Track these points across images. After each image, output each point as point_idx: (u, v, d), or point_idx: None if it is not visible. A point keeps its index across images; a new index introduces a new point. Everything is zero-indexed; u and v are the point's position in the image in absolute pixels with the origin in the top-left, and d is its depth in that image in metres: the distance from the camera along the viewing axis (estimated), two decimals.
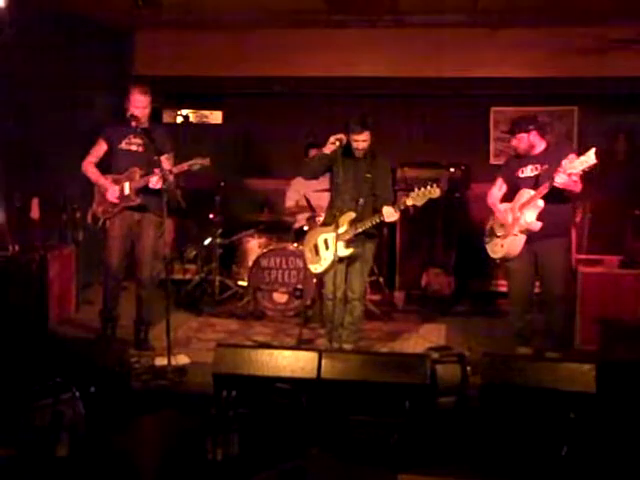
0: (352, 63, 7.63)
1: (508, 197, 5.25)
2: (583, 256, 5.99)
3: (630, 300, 5.41)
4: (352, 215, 4.96)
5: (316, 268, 5.25)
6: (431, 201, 4.83)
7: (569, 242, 5.23)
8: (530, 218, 4.94)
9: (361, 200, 4.96)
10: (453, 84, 7.64)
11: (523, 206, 4.99)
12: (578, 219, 5.96)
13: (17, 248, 5.51)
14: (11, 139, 6.11)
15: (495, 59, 7.47)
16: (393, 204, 4.92)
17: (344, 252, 4.96)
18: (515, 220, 5.02)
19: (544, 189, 4.85)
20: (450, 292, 7.09)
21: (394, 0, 6.38)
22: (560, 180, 4.69)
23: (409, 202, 4.79)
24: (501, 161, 7.81)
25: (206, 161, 5.21)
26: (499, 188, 5.33)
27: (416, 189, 4.79)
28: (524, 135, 5.08)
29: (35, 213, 5.96)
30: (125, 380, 4.31)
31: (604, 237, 6.54)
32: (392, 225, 7.18)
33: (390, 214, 4.85)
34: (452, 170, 7.30)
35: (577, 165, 4.62)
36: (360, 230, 4.96)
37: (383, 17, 7.08)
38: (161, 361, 4.94)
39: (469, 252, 7.24)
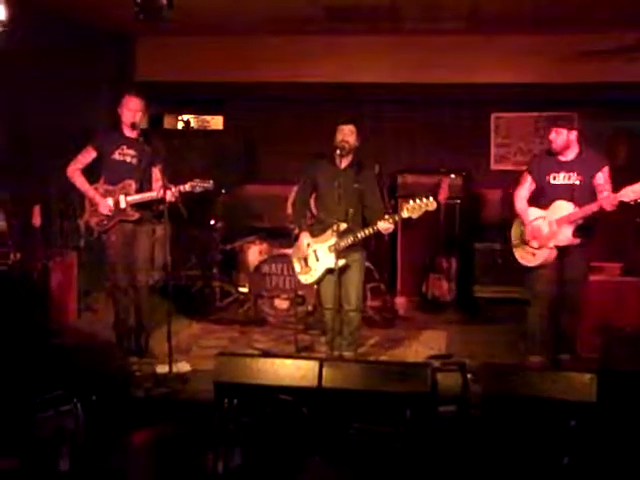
0: (352, 69, 7.65)
1: (534, 199, 5.18)
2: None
3: (632, 308, 5.40)
4: (344, 226, 4.91)
5: (306, 279, 5.23)
6: (428, 212, 4.82)
7: (590, 251, 5.18)
8: (569, 234, 4.91)
9: (351, 210, 4.95)
10: (453, 90, 7.67)
11: (562, 222, 4.91)
12: None
13: (19, 256, 5.49)
14: (12, 146, 6.12)
15: (495, 65, 7.50)
16: (386, 213, 4.94)
17: (337, 263, 4.86)
18: (552, 234, 4.95)
19: (589, 210, 4.81)
20: (451, 298, 7.10)
21: (393, 7, 6.39)
22: (612, 209, 4.68)
23: (405, 214, 4.78)
24: (502, 167, 7.88)
25: (209, 184, 5.19)
26: (527, 189, 5.19)
27: (411, 201, 4.77)
28: (564, 131, 4.95)
29: (37, 220, 5.96)
30: (126, 388, 4.32)
31: (606, 244, 6.53)
32: (393, 231, 7.22)
33: (386, 227, 4.86)
34: (453, 176, 7.30)
35: (630, 194, 4.58)
36: (352, 241, 4.93)
37: (383, 24, 7.09)
38: (162, 369, 4.94)
39: (470, 258, 7.27)
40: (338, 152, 4.94)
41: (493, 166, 7.98)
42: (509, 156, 7.92)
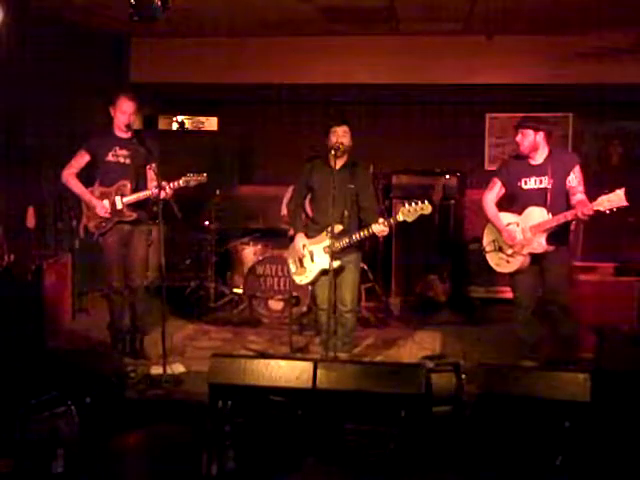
0: (348, 70, 7.65)
1: (505, 203, 5.11)
2: (578, 263, 5.98)
3: (625, 308, 5.41)
4: (340, 227, 4.93)
5: (301, 280, 5.25)
6: (423, 216, 4.82)
7: (569, 251, 5.13)
8: (544, 242, 4.83)
9: (346, 212, 4.97)
10: (449, 91, 7.67)
11: (536, 229, 4.83)
12: (572, 226, 5.93)
13: (12, 258, 5.47)
14: (6, 147, 6.11)
15: (491, 66, 7.50)
16: (381, 216, 4.95)
17: (332, 264, 4.85)
18: (527, 241, 4.87)
19: (564, 219, 4.75)
20: (445, 299, 7.10)
21: (391, 8, 6.39)
22: (586, 218, 4.62)
23: (399, 218, 4.80)
24: (496, 167, 7.88)
25: (202, 177, 5.22)
26: (496, 194, 5.12)
27: (407, 205, 4.78)
28: (531, 132, 4.87)
29: (30, 222, 5.95)
30: (120, 390, 4.31)
31: (599, 244, 6.55)
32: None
33: (381, 230, 4.87)
34: (447, 177, 7.30)
35: (605, 204, 4.49)
36: (347, 243, 4.94)
37: (380, 25, 7.09)
38: (157, 370, 4.95)
39: (464, 259, 7.27)
40: (333, 153, 4.95)
41: (487, 166, 7.98)
42: (503, 156, 7.91)
